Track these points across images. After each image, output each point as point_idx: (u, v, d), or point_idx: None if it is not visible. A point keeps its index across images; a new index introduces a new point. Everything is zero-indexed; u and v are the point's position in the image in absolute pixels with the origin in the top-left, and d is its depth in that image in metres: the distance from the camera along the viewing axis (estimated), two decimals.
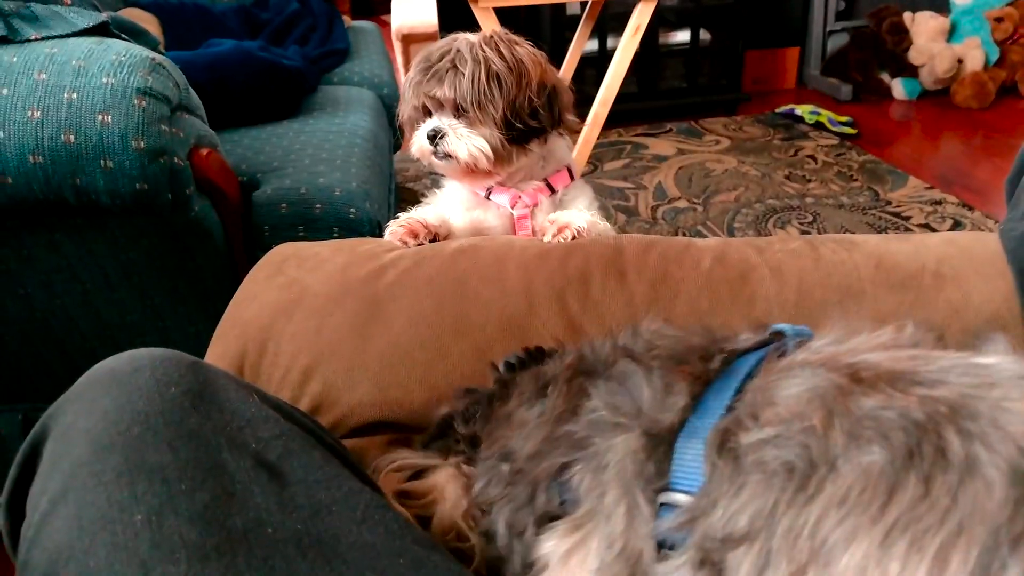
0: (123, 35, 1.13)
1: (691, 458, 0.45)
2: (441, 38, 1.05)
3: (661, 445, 0.46)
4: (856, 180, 2.60)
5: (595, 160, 2.85)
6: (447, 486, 0.59)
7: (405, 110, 1.07)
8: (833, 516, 0.35)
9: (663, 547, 0.44)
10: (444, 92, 1.00)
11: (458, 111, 1.01)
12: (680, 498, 0.44)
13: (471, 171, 1.03)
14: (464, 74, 0.99)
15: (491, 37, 1.02)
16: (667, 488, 0.45)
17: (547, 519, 0.50)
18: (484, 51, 1.00)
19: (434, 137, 1.01)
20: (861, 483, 0.35)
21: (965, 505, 0.33)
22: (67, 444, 0.49)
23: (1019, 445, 0.33)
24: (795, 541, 0.36)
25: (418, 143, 1.04)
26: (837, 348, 0.46)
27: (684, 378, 0.49)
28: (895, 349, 0.44)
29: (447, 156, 1.02)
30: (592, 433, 0.49)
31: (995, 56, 3.26)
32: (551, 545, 0.48)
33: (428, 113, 1.04)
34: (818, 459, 0.37)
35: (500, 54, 1.00)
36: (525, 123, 1.02)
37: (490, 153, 1.01)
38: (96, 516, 0.44)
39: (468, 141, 1.00)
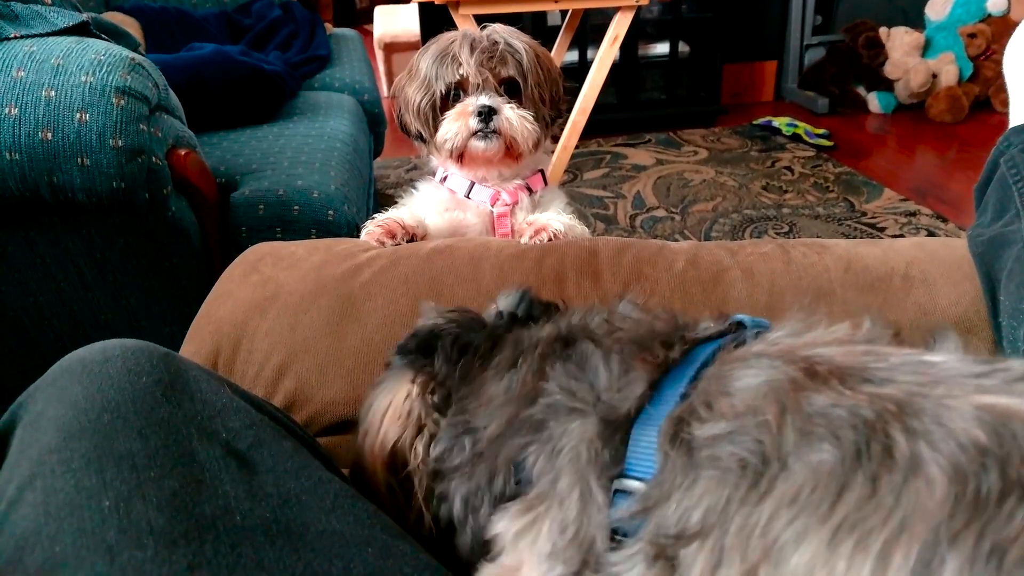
0: (103, 36, 1.13)
1: (645, 446, 0.45)
2: (422, 45, 1.06)
3: (618, 432, 0.46)
4: (832, 191, 2.63)
5: (575, 169, 2.87)
6: (401, 409, 0.59)
7: (418, 101, 1.04)
8: (784, 515, 0.36)
9: (616, 534, 0.44)
10: (507, 70, 1.01)
11: (500, 93, 1.02)
12: (635, 485, 0.44)
13: (506, 156, 1.04)
14: (521, 54, 1.00)
15: (508, 28, 1.04)
16: (622, 475, 0.45)
17: (504, 499, 0.50)
18: (520, 36, 1.02)
19: (484, 114, 1.00)
20: (811, 482, 0.36)
21: (908, 504, 0.34)
22: (36, 432, 0.49)
23: (959, 442, 0.34)
24: (748, 539, 0.37)
25: (457, 123, 1.02)
26: (794, 341, 0.46)
27: (643, 365, 0.49)
28: (850, 344, 0.45)
29: (493, 134, 1.01)
30: (548, 417, 0.49)
31: (969, 71, 3.33)
32: (503, 525, 0.49)
33: (452, 99, 1.03)
34: (771, 456, 0.38)
35: (527, 40, 1.03)
36: (556, 108, 1.06)
37: (537, 134, 1.03)
38: (63, 502, 0.44)
39: (522, 118, 1.01)
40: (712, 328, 0.53)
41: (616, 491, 0.45)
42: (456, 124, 1.01)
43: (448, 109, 1.03)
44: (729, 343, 0.49)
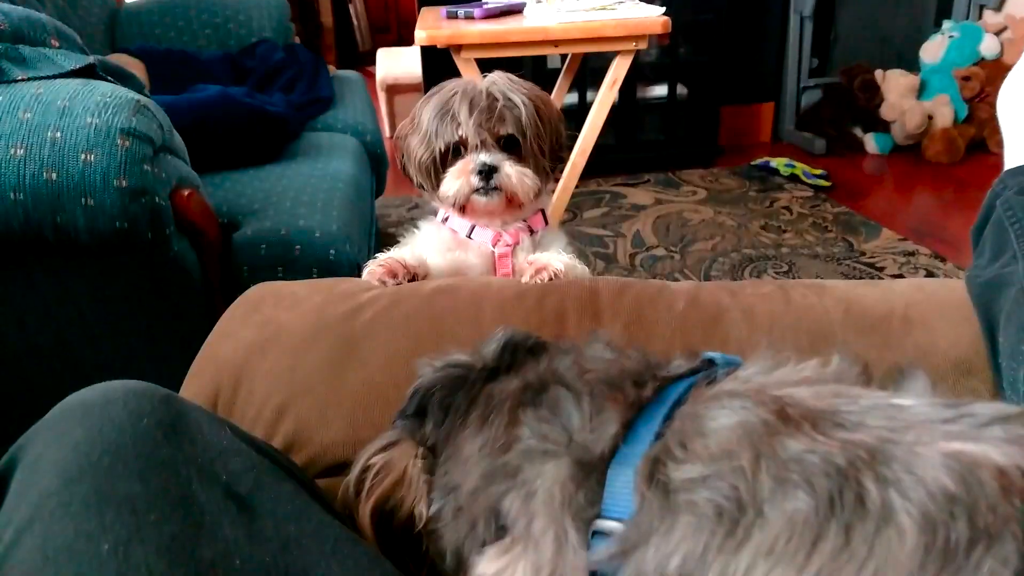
0: (109, 77, 1.14)
1: (621, 486, 0.45)
2: (426, 89, 1.07)
3: (593, 473, 0.47)
4: (831, 231, 2.65)
5: (574, 208, 2.89)
6: (411, 477, 0.59)
7: (420, 155, 1.06)
8: (761, 566, 0.37)
9: None
10: (505, 128, 1.02)
11: (501, 148, 1.03)
12: (612, 526, 0.44)
13: (507, 207, 1.05)
14: (520, 109, 1.01)
15: (508, 78, 1.05)
16: (599, 516, 0.45)
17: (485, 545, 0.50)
18: (520, 88, 1.03)
19: (485, 172, 1.02)
20: (787, 532, 0.37)
21: (880, 554, 0.34)
22: (35, 474, 0.49)
23: (928, 490, 0.35)
24: None
25: (459, 180, 1.03)
26: (764, 379, 0.47)
27: (615, 405, 0.49)
28: (819, 384, 0.45)
29: (494, 191, 1.03)
30: (523, 462, 0.49)
31: (964, 113, 3.37)
32: (480, 568, 0.49)
33: (453, 154, 1.04)
34: (747, 503, 0.38)
35: (527, 91, 1.04)
36: (557, 157, 1.07)
37: (538, 186, 1.04)
38: (62, 546, 0.44)
39: (522, 174, 1.02)
40: (684, 366, 0.53)
41: (594, 532, 0.45)
42: (458, 182, 1.03)
43: (449, 163, 1.04)
44: (701, 381, 0.49)
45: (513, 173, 1.02)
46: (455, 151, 1.04)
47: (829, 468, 0.38)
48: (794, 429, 0.40)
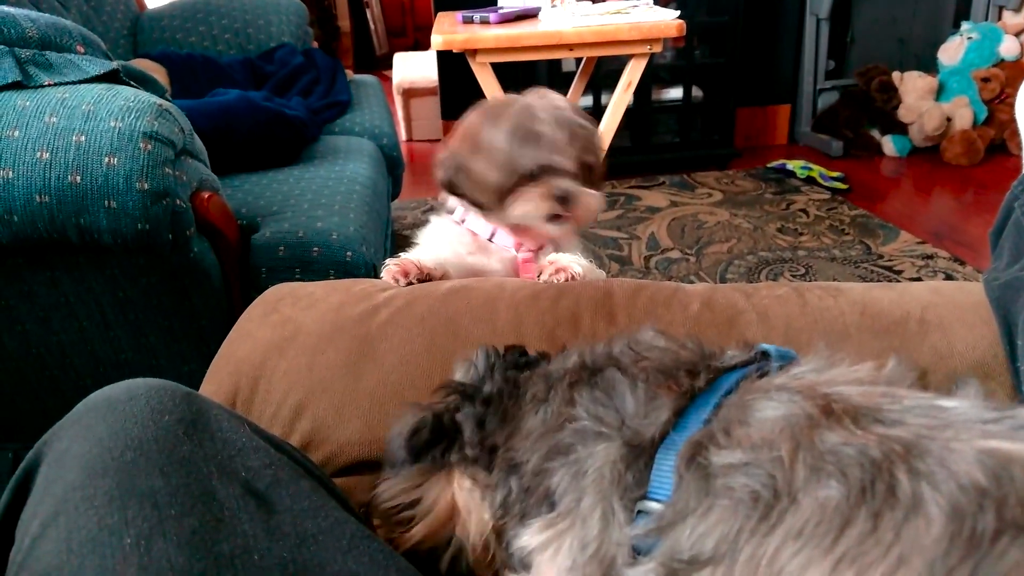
0: (132, 82, 1.16)
1: (667, 470, 0.47)
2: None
3: (642, 456, 0.48)
4: (848, 234, 2.63)
5: None
6: (465, 503, 0.59)
7: (494, 178, 1.02)
8: (790, 547, 0.38)
9: (634, 552, 0.45)
10: (586, 156, 1.01)
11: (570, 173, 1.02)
12: (655, 507, 0.46)
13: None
14: (596, 138, 1.02)
15: (562, 99, 1.05)
16: (645, 497, 0.47)
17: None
18: (580, 112, 1.03)
19: (565, 199, 1.01)
20: (817, 517, 0.38)
21: (907, 540, 0.35)
22: (61, 469, 0.50)
23: (960, 483, 0.36)
24: (755, 569, 0.38)
25: (536, 207, 1.01)
26: (816, 377, 0.48)
27: (668, 392, 0.51)
28: (870, 384, 0.46)
29: (565, 218, 1.02)
30: (576, 441, 0.51)
31: (983, 115, 3.34)
32: (525, 539, 0.50)
33: (526, 181, 1.02)
34: (782, 491, 0.40)
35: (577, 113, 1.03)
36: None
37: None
38: (86, 539, 0.45)
39: (595, 200, 1.03)
40: (738, 357, 0.54)
41: (638, 512, 0.47)
42: (530, 204, 1.01)
43: (520, 185, 1.02)
44: (753, 373, 0.50)
45: (592, 200, 1.01)
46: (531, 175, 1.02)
47: (863, 460, 0.39)
48: (835, 423, 0.42)
